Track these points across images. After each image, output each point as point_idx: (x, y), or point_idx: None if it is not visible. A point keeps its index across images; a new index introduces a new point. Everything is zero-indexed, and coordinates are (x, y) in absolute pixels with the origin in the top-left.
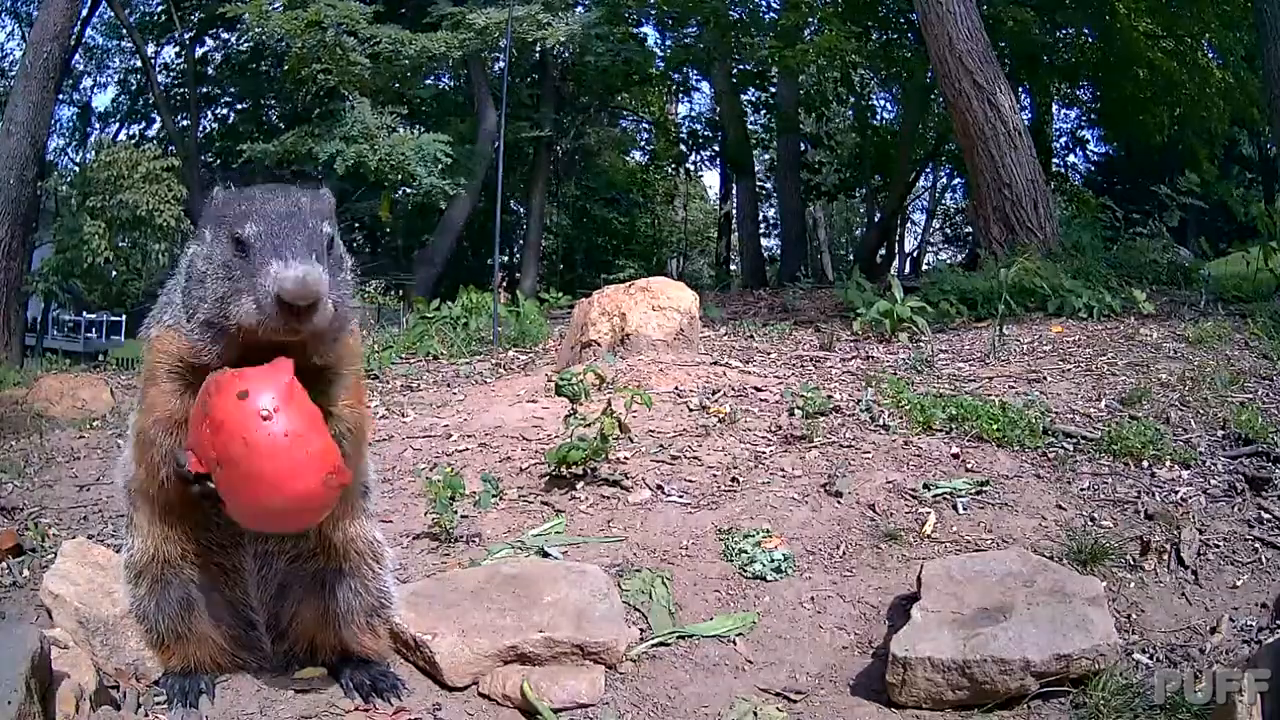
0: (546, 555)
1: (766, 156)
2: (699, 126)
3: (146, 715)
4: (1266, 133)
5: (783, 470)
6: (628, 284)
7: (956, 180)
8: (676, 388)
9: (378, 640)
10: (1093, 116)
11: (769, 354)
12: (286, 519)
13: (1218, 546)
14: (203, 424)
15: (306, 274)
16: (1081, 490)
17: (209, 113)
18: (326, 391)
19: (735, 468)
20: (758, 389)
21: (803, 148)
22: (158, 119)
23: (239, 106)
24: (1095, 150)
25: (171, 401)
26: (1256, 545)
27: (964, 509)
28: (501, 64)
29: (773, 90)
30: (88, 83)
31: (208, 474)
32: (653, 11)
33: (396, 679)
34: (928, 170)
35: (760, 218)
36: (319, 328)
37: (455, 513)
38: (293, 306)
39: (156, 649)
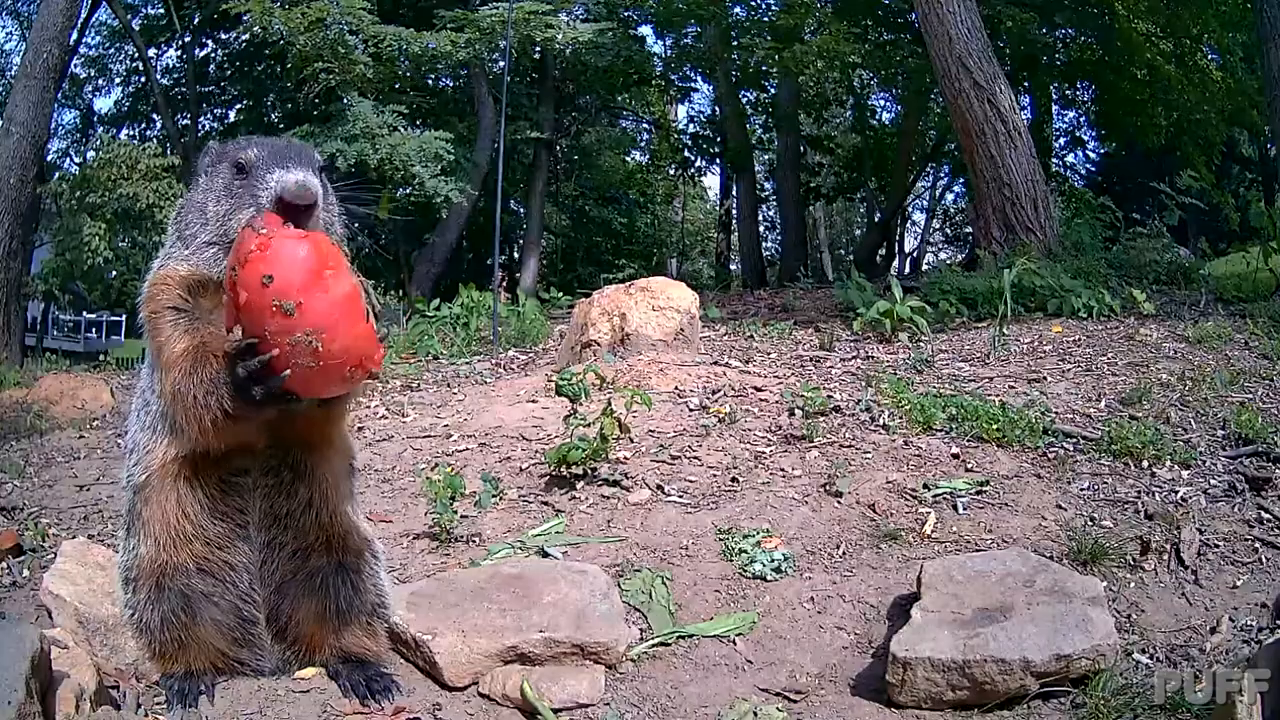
0: (546, 555)
1: (767, 157)
2: (699, 129)
3: (146, 715)
4: (1266, 133)
5: (783, 470)
6: (628, 284)
7: (957, 180)
8: (676, 388)
9: (376, 641)
10: (1092, 117)
11: (769, 354)
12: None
13: (1218, 546)
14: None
15: (305, 177)
16: (1081, 490)
17: (209, 112)
18: None
19: (735, 468)
20: (758, 389)
21: (802, 148)
22: (158, 119)
23: (239, 106)
24: (1095, 150)
25: (185, 338)
26: (1256, 545)
27: (964, 509)
28: (502, 64)
29: (772, 91)
30: (90, 87)
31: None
32: (652, 12)
33: (392, 680)
34: (928, 170)
35: (760, 218)
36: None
37: (455, 513)
38: (293, 206)
39: (156, 658)
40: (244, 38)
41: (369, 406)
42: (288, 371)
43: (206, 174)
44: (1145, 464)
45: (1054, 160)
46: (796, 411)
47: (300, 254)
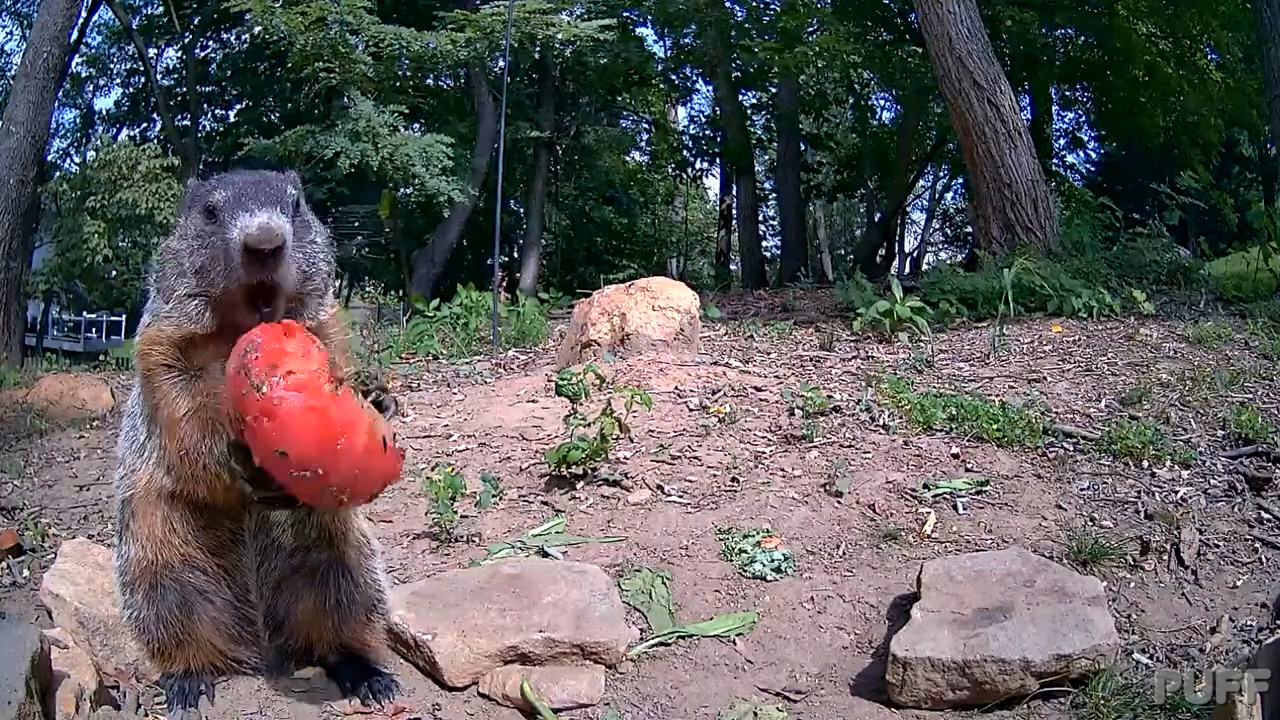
0: (546, 555)
1: (766, 157)
2: (700, 130)
3: (146, 715)
4: (1266, 133)
5: (783, 470)
6: (628, 284)
7: (956, 180)
8: (676, 388)
9: (375, 637)
10: (1092, 117)
11: (769, 354)
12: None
13: (1218, 546)
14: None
15: (269, 219)
16: (1081, 490)
17: (210, 112)
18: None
19: (735, 468)
20: (758, 389)
21: (802, 148)
22: (159, 119)
23: (239, 106)
24: (1095, 150)
25: (186, 399)
26: (1256, 545)
27: (964, 509)
28: (502, 64)
29: (773, 91)
30: (90, 87)
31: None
32: (651, 13)
33: (392, 680)
34: (928, 170)
35: (760, 218)
36: (285, 278)
37: (455, 513)
38: (258, 252)
39: (155, 657)
40: (244, 38)
41: None
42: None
43: (184, 216)
44: (1145, 464)
45: (1054, 160)
46: (796, 411)
47: (313, 422)
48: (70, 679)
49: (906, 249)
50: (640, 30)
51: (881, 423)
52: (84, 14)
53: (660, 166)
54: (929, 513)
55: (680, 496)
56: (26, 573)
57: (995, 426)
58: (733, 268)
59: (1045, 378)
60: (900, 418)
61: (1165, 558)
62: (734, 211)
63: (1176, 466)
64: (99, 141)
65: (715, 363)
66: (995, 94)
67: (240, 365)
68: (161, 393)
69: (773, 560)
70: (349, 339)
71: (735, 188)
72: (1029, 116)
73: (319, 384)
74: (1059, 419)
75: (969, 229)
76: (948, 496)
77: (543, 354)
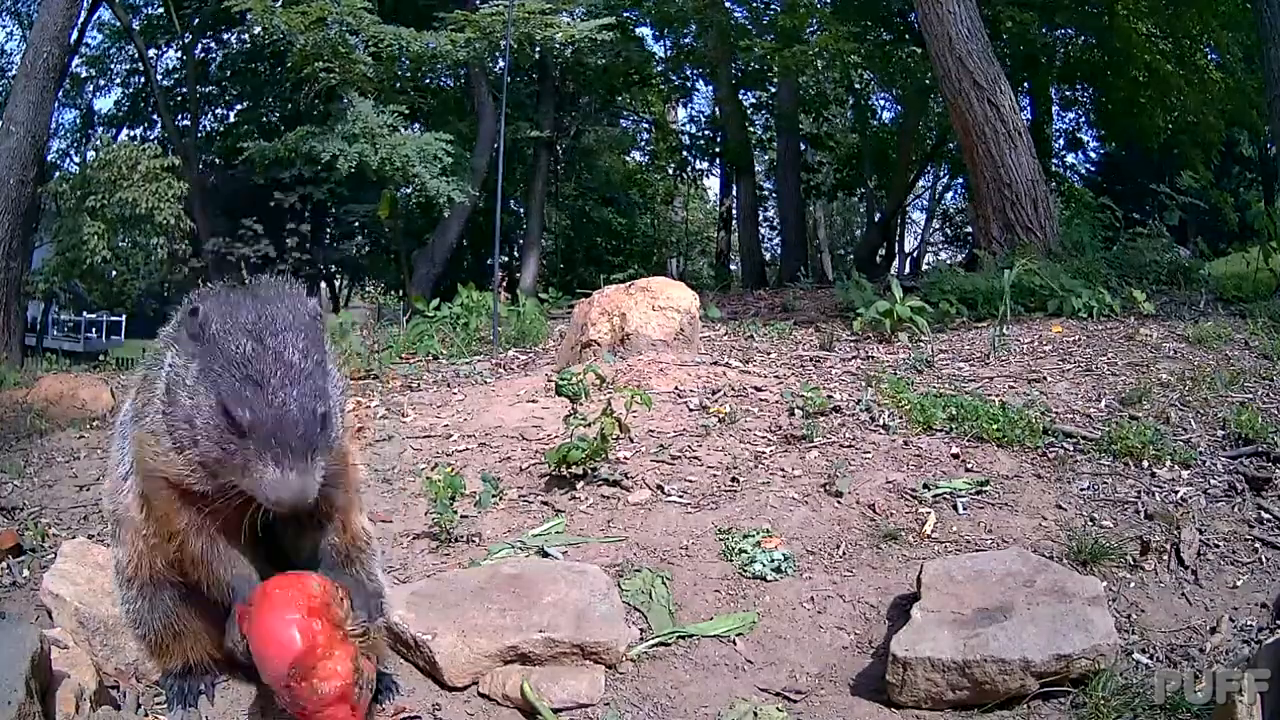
0: (546, 555)
1: (766, 157)
2: (699, 130)
3: (146, 715)
4: (1266, 133)
5: (783, 470)
6: (628, 284)
7: (956, 180)
8: (676, 388)
9: (377, 631)
10: (1092, 117)
11: (769, 354)
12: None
13: (1218, 546)
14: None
15: (303, 488)
16: (1081, 490)
17: (210, 112)
18: (322, 519)
19: (735, 468)
20: (758, 389)
21: (802, 148)
22: (159, 119)
23: (239, 106)
24: (1095, 150)
25: (181, 518)
26: (1256, 545)
27: (964, 509)
28: (502, 64)
29: (773, 91)
30: (90, 87)
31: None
32: (651, 14)
33: (392, 680)
34: (928, 170)
35: (760, 218)
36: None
37: (455, 513)
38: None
39: (153, 651)
40: (244, 38)
41: (369, 407)
42: None
43: (198, 369)
44: (1145, 464)
45: (1054, 160)
46: (796, 411)
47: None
48: (70, 679)
49: (906, 249)
50: (640, 30)
51: (881, 423)
52: (84, 14)
53: (660, 167)
54: (929, 513)
55: (680, 496)
56: (26, 573)
57: (995, 426)
58: (733, 268)
59: (1045, 378)
60: (900, 418)
61: (1165, 558)
62: (734, 211)
63: (1176, 466)
64: (99, 142)
65: (715, 363)
66: (995, 94)
67: (282, 682)
68: (161, 499)
69: (773, 560)
70: (356, 478)
71: (735, 188)
72: (1029, 116)
73: (350, 690)
74: (1059, 419)
75: (969, 229)
76: (948, 496)
77: (543, 354)
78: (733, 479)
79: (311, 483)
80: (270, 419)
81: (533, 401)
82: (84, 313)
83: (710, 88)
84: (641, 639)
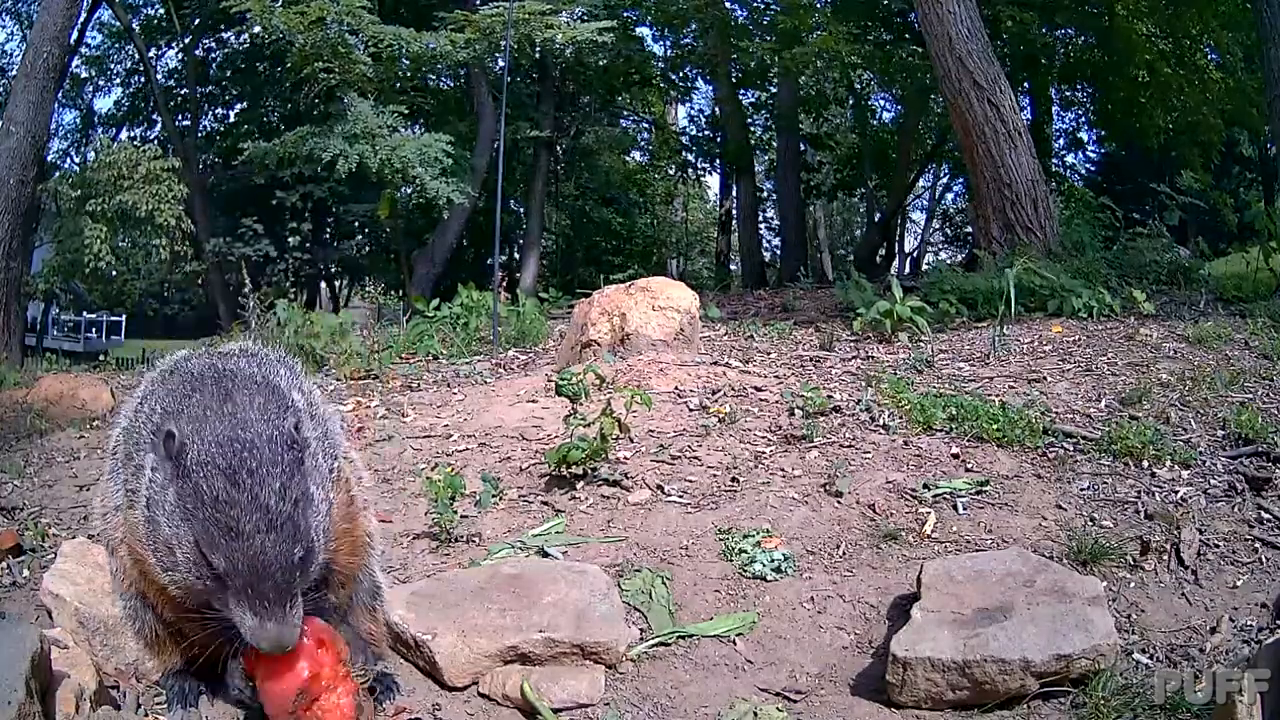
0: (546, 555)
1: (766, 157)
2: (700, 130)
3: (146, 715)
4: (1266, 133)
5: (783, 470)
6: (628, 284)
7: (956, 180)
8: (676, 388)
9: (377, 624)
10: (1092, 117)
11: (769, 354)
12: None
13: (1218, 546)
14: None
15: (279, 636)
16: (1081, 490)
17: (210, 112)
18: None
19: (735, 468)
20: (758, 389)
21: (802, 148)
22: (159, 120)
23: (239, 106)
24: (1095, 150)
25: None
26: (1256, 545)
27: (964, 509)
28: (502, 64)
29: (773, 91)
30: (90, 87)
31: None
32: (651, 14)
33: (392, 680)
34: (928, 170)
35: (760, 218)
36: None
37: (455, 513)
38: None
39: (152, 648)
40: (244, 38)
41: (369, 407)
42: None
43: (175, 496)
44: (1145, 464)
45: (1054, 160)
46: (796, 411)
47: None
48: (70, 679)
49: (906, 249)
50: (640, 30)
51: (881, 423)
52: (84, 14)
53: (660, 167)
54: (929, 513)
55: (680, 496)
56: (26, 573)
57: (995, 426)
58: (733, 268)
59: (1045, 378)
60: (900, 418)
61: (1165, 558)
62: (734, 212)
63: (1176, 466)
64: (99, 142)
65: (715, 363)
66: (995, 94)
67: (288, 710)
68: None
69: (773, 560)
70: (367, 561)
71: (735, 188)
72: (1029, 116)
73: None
74: (1059, 419)
75: (969, 229)
76: (948, 496)
77: (543, 354)
78: (733, 479)
79: (289, 630)
80: (246, 569)
81: (533, 401)
82: (84, 313)
83: (710, 88)
84: (641, 639)
